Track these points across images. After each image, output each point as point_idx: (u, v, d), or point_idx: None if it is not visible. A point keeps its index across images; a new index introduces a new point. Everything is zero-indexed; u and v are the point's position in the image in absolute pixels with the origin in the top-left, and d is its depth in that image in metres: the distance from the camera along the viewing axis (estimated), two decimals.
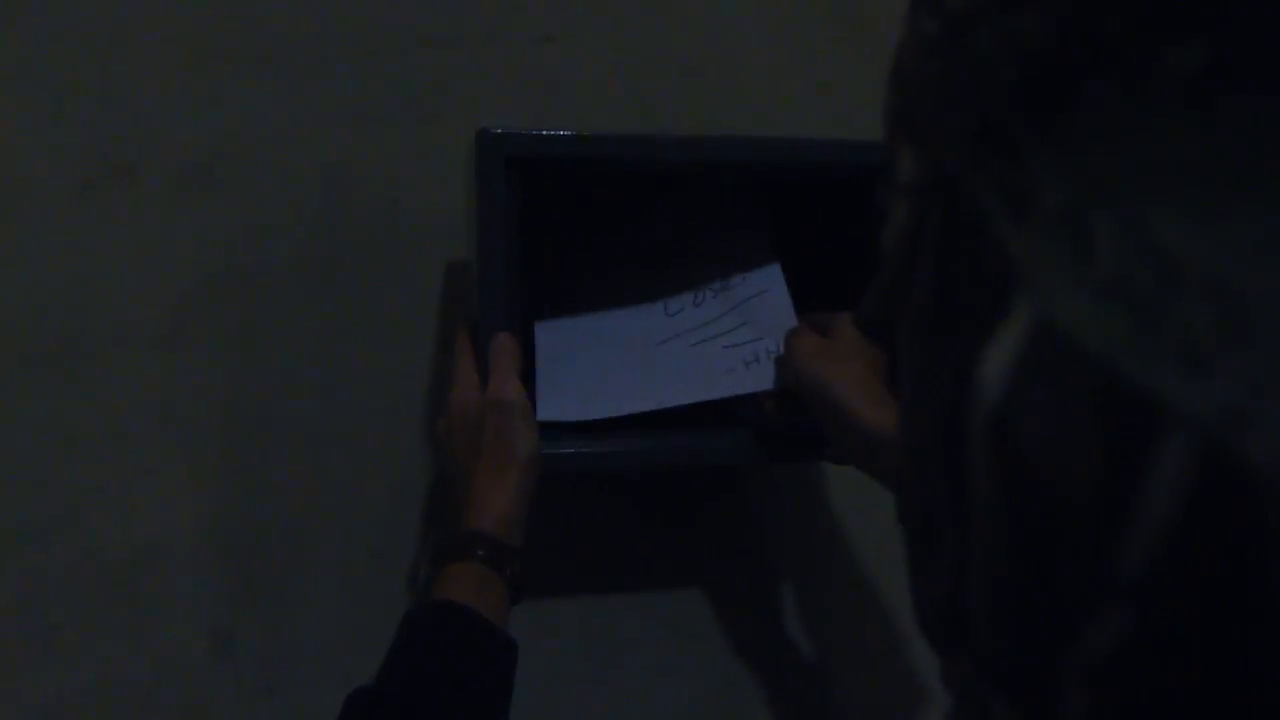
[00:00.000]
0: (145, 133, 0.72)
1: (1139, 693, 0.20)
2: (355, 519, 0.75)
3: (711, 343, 0.71)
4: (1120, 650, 0.20)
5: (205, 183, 0.73)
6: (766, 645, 0.83)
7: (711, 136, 0.69)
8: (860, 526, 0.84)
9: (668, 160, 0.67)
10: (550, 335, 0.73)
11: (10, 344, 0.70)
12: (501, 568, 0.59)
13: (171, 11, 0.72)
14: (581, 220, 0.79)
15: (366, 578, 0.75)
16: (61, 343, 0.71)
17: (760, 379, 0.68)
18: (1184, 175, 0.18)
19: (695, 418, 0.68)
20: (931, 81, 0.24)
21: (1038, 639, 0.22)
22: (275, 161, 0.74)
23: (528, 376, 0.66)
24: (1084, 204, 0.20)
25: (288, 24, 0.73)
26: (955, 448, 0.24)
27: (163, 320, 0.72)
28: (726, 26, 0.80)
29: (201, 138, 0.73)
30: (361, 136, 0.75)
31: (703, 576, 0.82)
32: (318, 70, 0.74)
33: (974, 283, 0.23)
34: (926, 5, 0.24)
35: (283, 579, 0.74)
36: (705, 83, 0.80)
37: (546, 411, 0.67)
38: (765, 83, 0.81)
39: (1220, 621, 0.19)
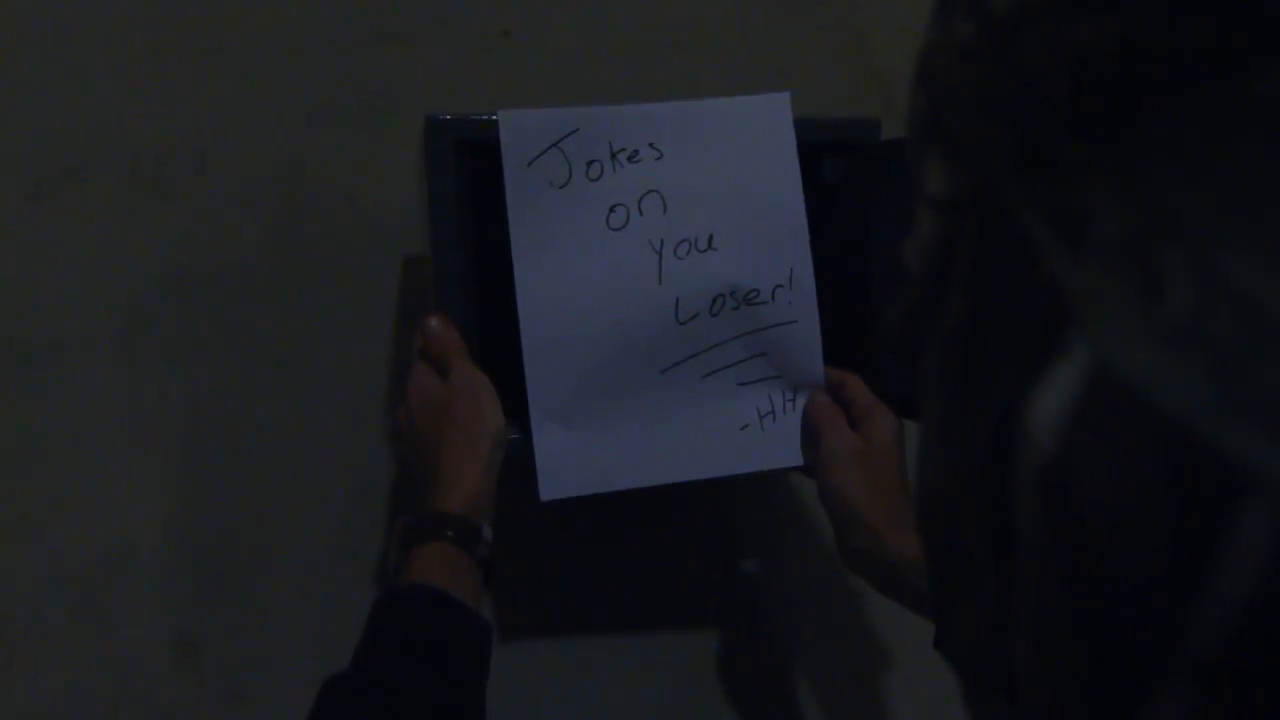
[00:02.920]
0: (96, 133, 0.71)
1: None
2: (319, 520, 0.74)
3: (724, 374, 0.66)
4: None
5: (158, 183, 0.72)
6: (738, 640, 0.83)
7: None
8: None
9: None
10: (541, 352, 0.63)
11: None
12: (472, 548, 0.58)
13: (122, 10, 0.71)
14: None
15: (333, 580, 0.74)
16: (16, 348, 0.70)
17: (777, 447, 0.66)
18: (1266, 213, 0.16)
19: None
20: (968, 89, 0.22)
21: (1093, 705, 0.20)
22: (229, 161, 0.73)
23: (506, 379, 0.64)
24: (1151, 237, 0.17)
25: (240, 21, 0.73)
26: (998, 493, 0.22)
27: (119, 323, 0.72)
28: (683, 16, 0.80)
29: (154, 138, 0.72)
30: (317, 134, 0.74)
31: (673, 570, 0.82)
32: (272, 67, 0.74)
33: (1020, 315, 0.21)
34: (960, 3, 0.22)
35: (247, 583, 0.73)
36: (663, 74, 0.80)
37: (550, 491, 0.63)
38: (723, 70, 0.81)
39: None
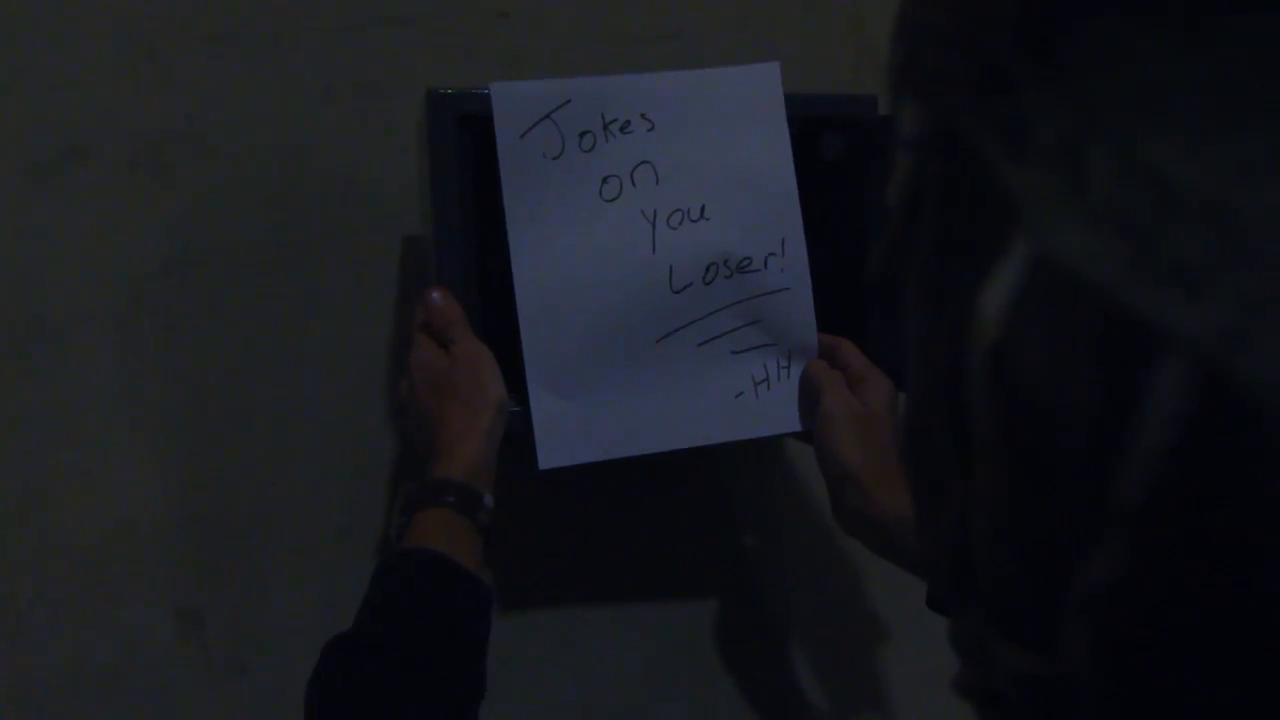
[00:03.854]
0: (96, 114, 0.71)
1: (1138, 623, 0.20)
2: (321, 494, 0.75)
3: (717, 343, 0.66)
4: (1118, 580, 0.20)
5: (158, 164, 0.73)
6: (734, 611, 0.83)
7: None
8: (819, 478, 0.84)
9: None
10: (537, 322, 0.64)
11: None
12: (473, 514, 0.59)
13: None
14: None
15: (334, 555, 0.75)
16: (18, 328, 0.70)
17: (772, 413, 0.67)
18: (1180, 99, 0.18)
19: None
20: (933, 30, 0.24)
21: (1037, 571, 0.22)
22: (230, 141, 0.74)
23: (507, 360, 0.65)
24: (1080, 135, 0.20)
25: (240, 2, 0.73)
26: (957, 389, 0.24)
27: (120, 303, 0.72)
28: None
29: (154, 119, 0.72)
30: (317, 115, 0.75)
31: (670, 541, 0.82)
32: (271, 49, 0.74)
33: (974, 224, 0.23)
34: None
35: (250, 558, 0.73)
36: (661, 54, 0.81)
37: (548, 460, 0.64)
38: (721, 49, 0.82)
39: (1219, 548, 0.19)
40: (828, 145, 0.70)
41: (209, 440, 0.73)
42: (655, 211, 0.65)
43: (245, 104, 0.74)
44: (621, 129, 0.64)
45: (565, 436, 0.64)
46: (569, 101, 0.63)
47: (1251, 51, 0.17)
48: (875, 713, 0.85)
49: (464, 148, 0.65)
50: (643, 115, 0.64)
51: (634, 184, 0.64)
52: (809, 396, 0.67)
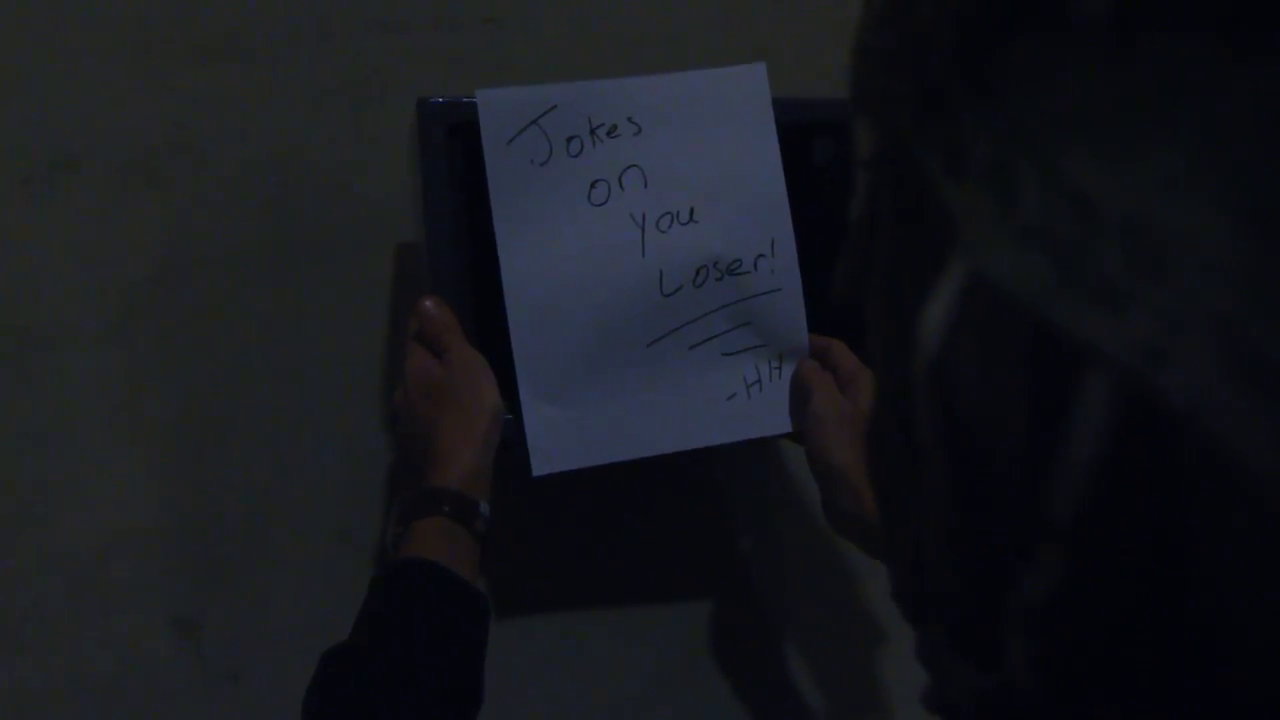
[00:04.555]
0: (89, 122, 0.71)
1: (1075, 639, 0.21)
2: (316, 502, 0.75)
3: (709, 346, 0.66)
4: (1054, 596, 0.20)
5: (151, 172, 0.73)
6: (730, 615, 0.84)
7: None
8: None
9: None
10: (527, 329, 0.64)
11: None
12: (469, 523, 0.59)
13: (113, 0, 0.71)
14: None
15: (329, 562, 0.75)
16: (10, 338, 0.70)
17: (764, 415, 0.67)
18: (1100, 116, 0.19)
19: None
20: (882, 54, 0.25)
21: (979, 586, 0.23)
22: (222, 149, 0.73)
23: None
24: (1009, 154, 0.20)
25: (232, 10, 0.73)
26: (905, 405, 0.24)
27: (112, 313, 0.72)
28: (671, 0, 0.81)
29: (146, 126, 0.72)
30: (308, 122, 0.75)
31: (666, 546, 0.83)
32: (264, 56, 0.74)
33: (919, 243, 0.23)
34: None
35: (245, 566, 0.73)
36: (651, 58, 0.81)
37: (542, 466, 0.64)
38: (711, 54, 0.82)
39: (1148, 563, 0.19)
40: (817, 150, 0.70)
41: (203, 448, 0.73)
42: (644, 215, 0.65)
43: (236, 112, 0.74)
44: (609, 133, 0.64)
45: (558, 442, 0.65)
46: (555, 107, 0.63)
47: (1169, 70, 0.18)
48: (873, 713, 0.86)
49: (455, 156, 0.65)
50: (630, 119, 0.65)
51: (622, 188, 0.65)
52: (799, 397, 0.68)
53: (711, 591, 0.84)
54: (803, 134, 0.68)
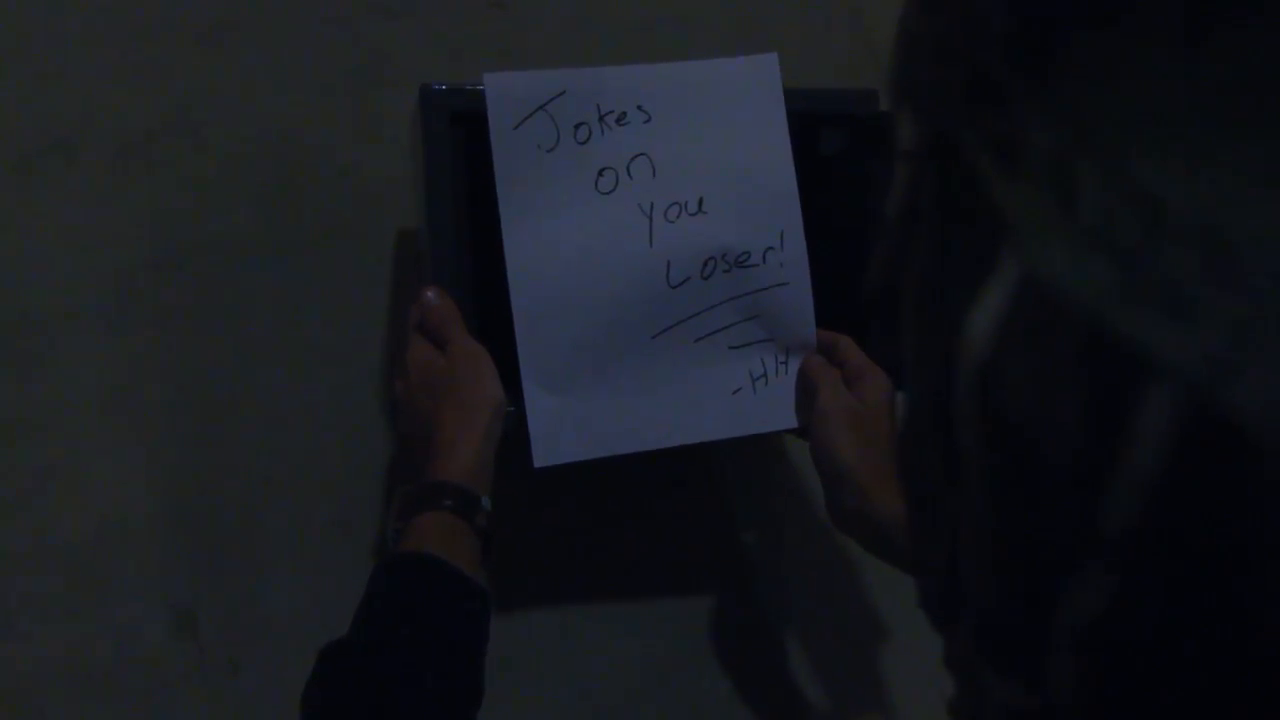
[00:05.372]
0: (85, 105, 0.70)
1: (1125, 657, 0.20)
2: (315, 491, 0.74)
3: (715, 338, 0.65)
4: (1103, 612, 0.20)
5: (148, 156, 0.72)
6: (733, 609, 0.83)
7: None
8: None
9: None
10: (532, 318, 0.63)
11: None
12: (470, 517, 0.58)
13: None
14: None
15: (328, 551, 0.74)
16: (6, 324, 0.70)
17: (770, 410, 0.66)
18: (1170, 117, 0.18)
19: None
20: (929, 41, 0.24)
21: (1022, 601, 0.22)
22: (220, 133, 0.73)
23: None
24: (1070, 152, 0.19)
25: None
26: (947, 408, 0.23)
27: (109, 299, 0.71)
28: None
29: (143, 110, 0.71)
30: (309, 107, 0.74)
31: (668, 540, 0.82)
32: (263, 39, 0.73)
33: (966, 241, 0.22)
34: None
35: (243, 555, 0.73)
36: (658, 45, 0.80)
37: (543, 458, 0.63)
38: (718, 42, 0.81)
39: (1206, 583, 0.18)
40: (827, 140, 0.69)
41: (202, 436, 0.73)
42: (652, 204, 0.64)
43: (236, 96, 0.73)
44: (618, 120, 0.63)
45: (560, 434, 0.64)
46: (564, 93, 0.62)
47: (1248, 70, 0.17)
48: (875, 711, 0.85)
49: (457, 144, 0.64)
50: (639, 107, 0.63)
51: (630, 176, 0.64)
52: (806, 393, 0.67)
53: (713, 585, 0.83)
54: (810, 124, 0.67)
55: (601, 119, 0.63)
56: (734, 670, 0.83)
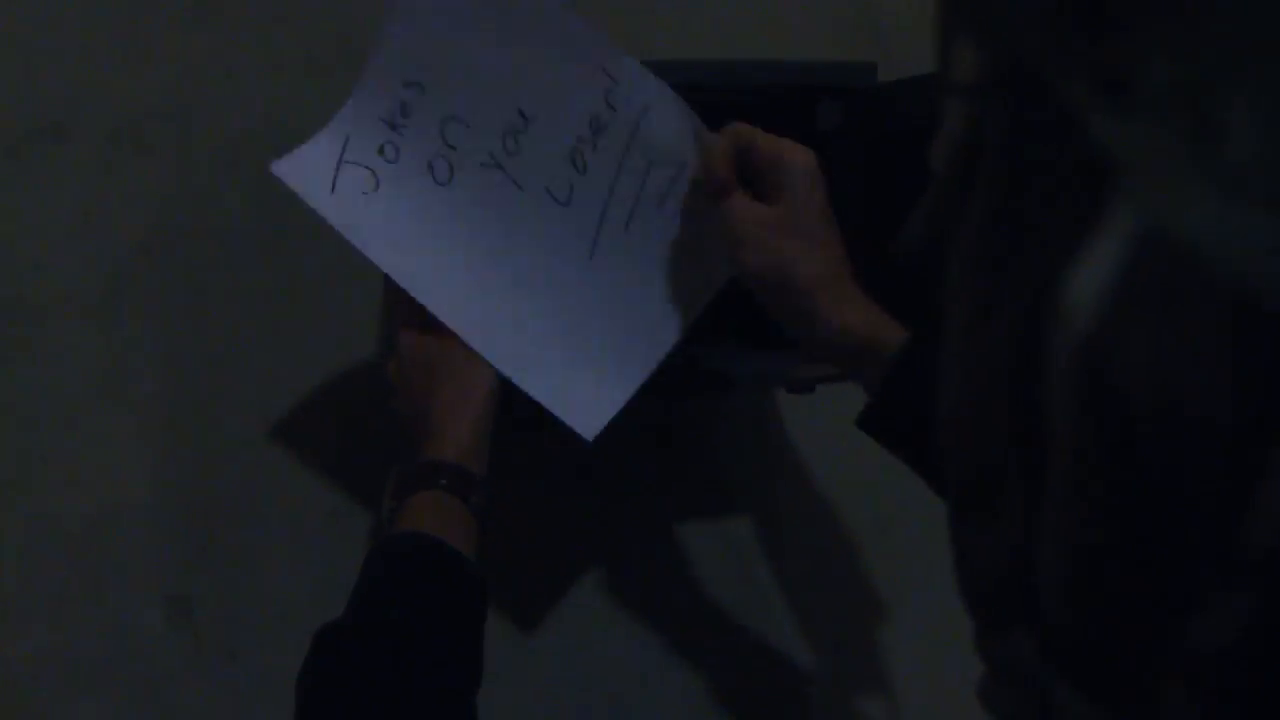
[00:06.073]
0: (75, 90, 0.70)
1: (1257, 699, 0.17)
2: (309, 477, 0.74)
3: (640, 210, 0.59)
4: (1235, 644, 0.17)
5: (139, 141, 0.71)
6: (730, 588, 0.82)
7: (665, 61, 0.65)
8: (816, 452, 0.83)
9: None
10: (477, 330, 0.59)
11: None
12: (466, 496, 0.57)
13: None
14: None
15: (323, 539, 0.74)
16: None
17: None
18: None
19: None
20: None
21: (1132, 622, 0.18)
22: (211, 117, 0.72)
23: None
24: (1212, 80, 0.15)
25: None
26: (1028, 389, 0.20)
27: (101, 284, 0.71)
28: None
29: (134, 94, 0.71)
30: (301, 89, 0.73)
31: (664, 519, 0.81)
32: (254, 22, 0.72)
33: (1055, 192, 0.19)
34: None
35: (238, 543, 0.72)
36: (655, 21, 0.79)
37: (589, 427, 0.59)
38: (715, 16, 0.79)
39: None
40: (824, 115, 0.68)
41: (195, 423, 0.72)
42: (489, 152, 0.60)
43: (227, 78, 0.72)
44: (404, 114, 0.60)
45: (583, 402, 0.61)
46: (348, 138, 0.60)
47: None
48: (876, 690, 0.84)
49: None
50: (408, 85, 0.60)
51: (453, 147, 0.60)
52: (724, 229, 0.58)
53: (714, 580, 0.82)
54: (806, 98, 0.66)
55: (393, 127, 0.60)
56: (735, 663, 0.82)
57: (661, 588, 0.81)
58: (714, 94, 0.66)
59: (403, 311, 0.63)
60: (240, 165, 0.72)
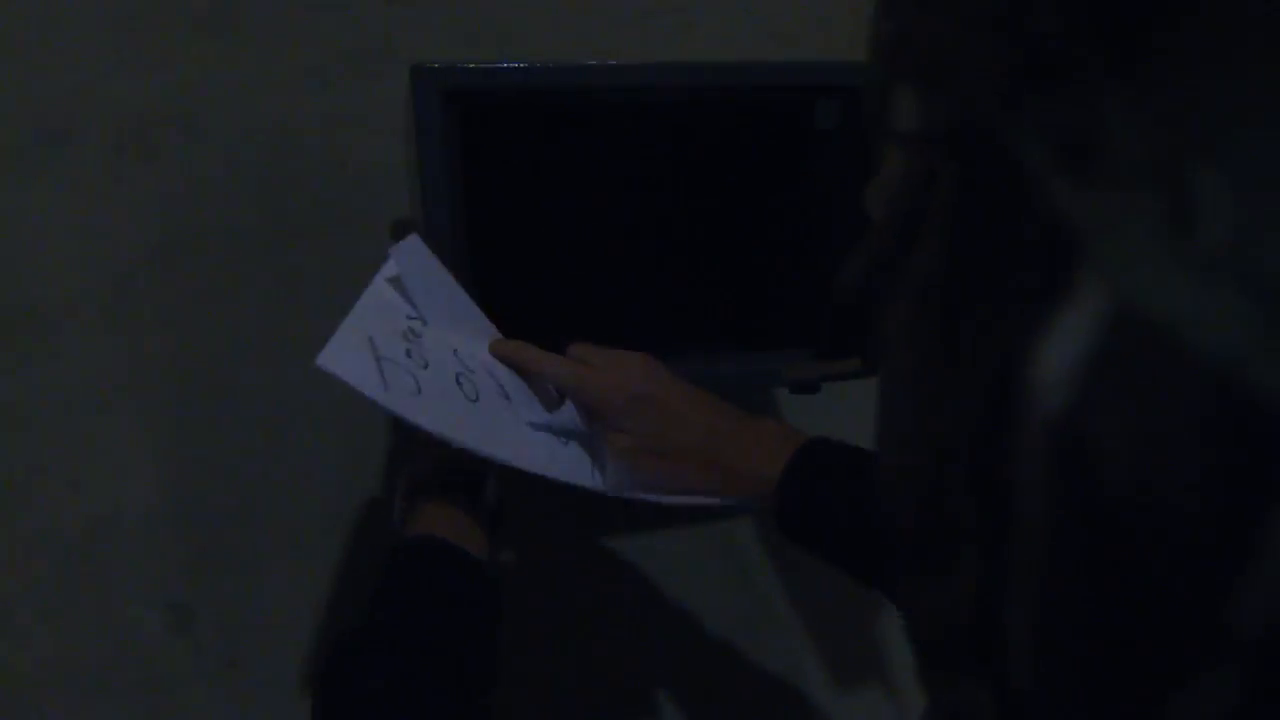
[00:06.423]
0: (80, 96, 0.70)
1: None
2: (312, 485, 0.73)
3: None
4: None
5: (144, 146, 0.71)
6: (730, 589, 0.82)
7: (664, 63, 0.65)
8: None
9: (618, 86, 0.65)
10: (489, 445, 0.55)
11: None
12: (477, 499, 0.58)
13: None
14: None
15: (325, 546, 0.73)
16: (1, 316, 0.69)
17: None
18: None
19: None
20: (948, 6, 0.19)
21: (1109, 699, 0.18)
22: (216, 123, 0.72)
23: None
24: (1184, 155, 0.15)
25: None
26: (990, 455, 0.19)
27: (105, 291, 0.71)
28: None
29: (139, 100, 0.71)
30: (305, 95, 0.73)
31: (665, 521, 0.81)
32: (259, 27, 0.73)
33: (1012, 255, 0.18)
34: None
35: (241, 551, 0.72)
36: (657, 25, 0.79)
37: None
38: (718, 20, 0.80)
39: None
40: (823, 114, 0.68)
41: (198, 430, 0.72)
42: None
43: (232, 83, 0.72)
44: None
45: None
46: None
47: None
48: (878, 697, 0.84)
49: (451, 124, 0.63)
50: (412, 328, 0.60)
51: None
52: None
53: (715, 578, 0.82)
54: (805, 97, 0.66)
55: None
56: (735, 659, 0.82)
57: (661, 588, 0.81)
58: (714, 94, 0.67)
59: None
60: (246, 170, 0.73)
